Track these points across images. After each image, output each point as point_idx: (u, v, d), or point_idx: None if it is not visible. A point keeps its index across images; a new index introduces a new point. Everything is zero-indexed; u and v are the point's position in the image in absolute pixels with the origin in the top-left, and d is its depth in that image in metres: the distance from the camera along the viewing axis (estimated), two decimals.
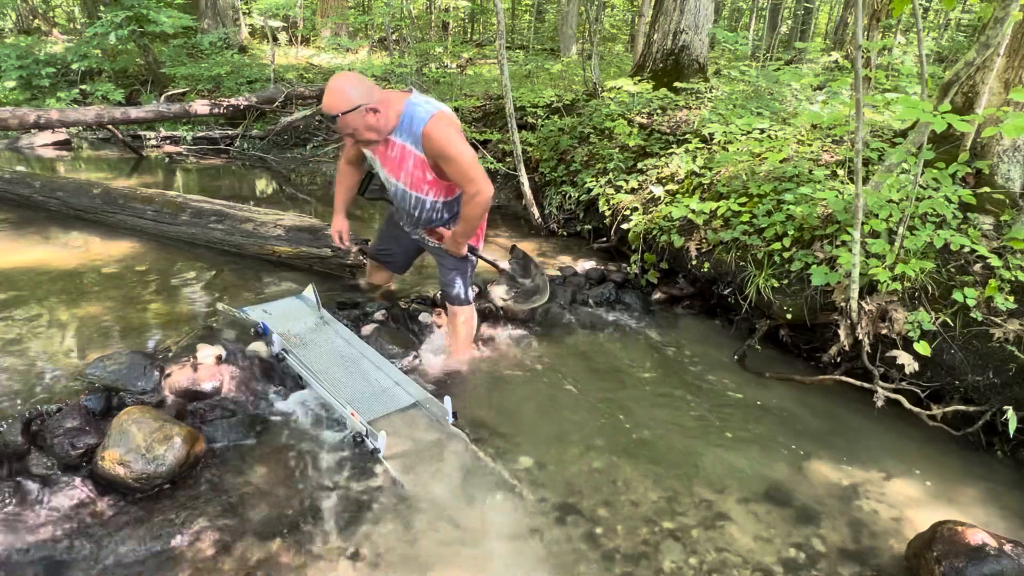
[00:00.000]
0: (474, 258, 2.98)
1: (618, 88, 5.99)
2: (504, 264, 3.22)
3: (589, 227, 5.02)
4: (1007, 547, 1.92)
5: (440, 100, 7.37)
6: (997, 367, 2.63)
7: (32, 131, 7.78)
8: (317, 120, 8.63)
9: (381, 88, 2.50)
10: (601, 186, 4.84)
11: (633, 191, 4.61)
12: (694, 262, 3.81)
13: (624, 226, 4.33)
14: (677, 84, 6.04)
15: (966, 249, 2.94)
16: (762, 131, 4.60)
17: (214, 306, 3.44)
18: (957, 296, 2.77)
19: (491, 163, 5.80)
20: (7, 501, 2.07)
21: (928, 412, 2.74)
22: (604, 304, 3.94)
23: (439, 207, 2.77)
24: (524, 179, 5.13)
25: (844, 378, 2.96)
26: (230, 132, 8.55)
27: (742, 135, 4.55)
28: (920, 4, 2.88)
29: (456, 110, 6.70)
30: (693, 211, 3.90)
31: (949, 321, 2.76)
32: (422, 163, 2.57)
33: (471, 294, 3.08)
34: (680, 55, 6.38)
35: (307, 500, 2.23)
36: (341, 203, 3.17)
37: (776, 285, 3.30)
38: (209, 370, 2.73)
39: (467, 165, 2.50)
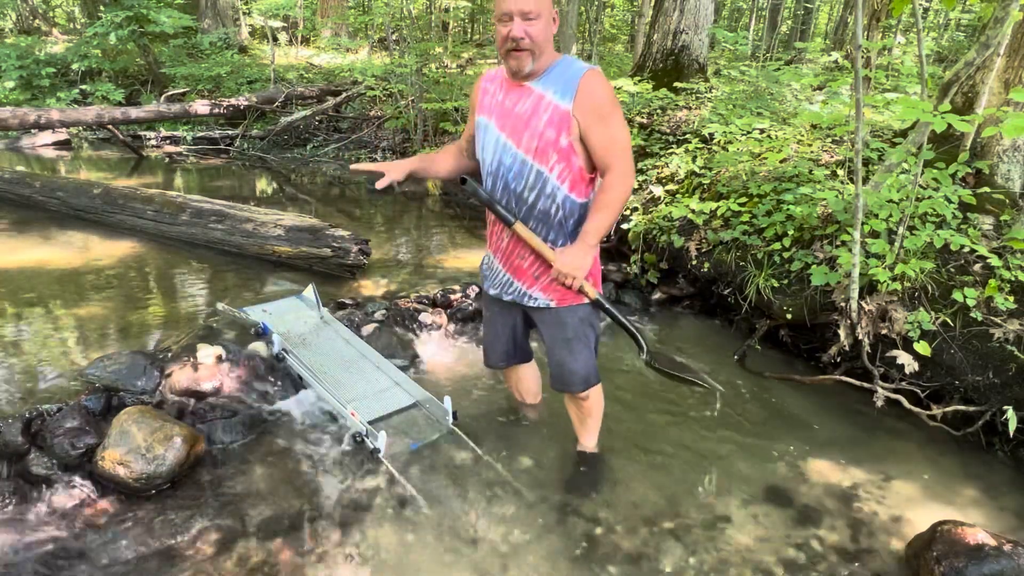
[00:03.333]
0: (597, 316, 2.19)
1: (618, 88, 5.99)
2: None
3: None
4: (1007, 547, 1.92)
5: (440, 100, 7.29)
6: (997, 367, 2.63)
7: (32, 131, 7.78)
8: (317, 120, 8.64)
9: None
10: None
11: (633, 191, 4.61)
12: (694, 262, 3.81)
13: (624, 226, 4.32)
14: (677, 84, 6.04)
15: (966, 249, 2.94)
16: (762, 131, 4.60)
17: (214, 306, 3.44)
18: (957, 296, 2.76)
19: None
20: (7, 501, 2.07)
21: (928, 412, 2.74)
22: None
23: (559, 200, 1.99)
24: None
25: (844, 378, 2.96)
26: (230, 132, 8.56)
27: (742, 135, 4.55)
28: (920, 4, 2.88)
29: (456, 110, 6.70)
30: (693, 211, 3.90)
31: (949, 321, 2.76)
32: (563, 120, 1.89)
33: (596, 369, 2.28)
34: (680, 55, 6.38)
35: (307, 500, 2.23)
36: (421, 158, 2.26)
37: (776, 285, 3.30)
38: (209, 370, 2.73)
39: (619, 133, 1.92)
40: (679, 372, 2.30)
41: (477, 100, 2.11)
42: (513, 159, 1.98)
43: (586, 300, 2.10)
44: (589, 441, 2.50)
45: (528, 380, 2.73)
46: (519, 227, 2.04)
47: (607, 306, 2.09)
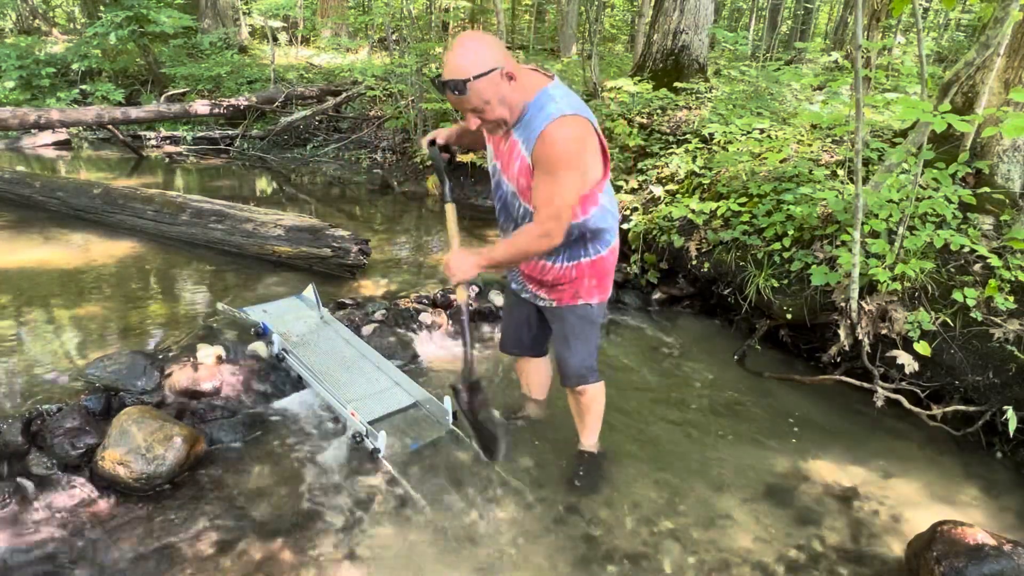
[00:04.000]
0: (599, 316, 2.27)
1: (618, 88, 5.99)
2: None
3: None
4: (1006, 547, 1.92)
5: (440, 100, 7.24)
6: (997, 367, 2.63)
7: (32, 131, 7.78)
8: (317, 120, 8.63)
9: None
10: None
11: (633, 191, 4.62)
12: (694, 262, 3.81)
13: (624, 226, 4.33)
14: (677, 84, 6.04)
15: (966, 249, 2.94)
16: (762, 131, 4.60)
17: (214, 306, 3.44)
18: (957, 296, 2.77)
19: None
20: (7, 501, 2.07)
21: (928, 412, 2.74)
22: None
23: None
24: None
25: (844, 378, 2.96)
26: (230, 132, 8.55)
27: (742, 135, 4.55)
28: (920, 4, 2.88)
29: (456, 110, 6.69)
30: (693, 211, 3.90)
31: (949, 321, 2.76)
32: (529, 170, 1.92)
33: (596, 365, 2.34)
34: (680, 55, 6.38)
35: (307, 500, 2.23)
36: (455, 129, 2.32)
37: (776, 285, 3.30)
38: (209, 370, 2.73)
39: (557, 193, 1.86)
40: (479, 425, 2.33)
41: None
42: (506, 188, 2.07)
43: (582, 301, 2.17)
44: (588, 440, 2.50)
45: (537, 375, 2.73)
46: (448, 207, 2.20)
47: (463, 318, 2.24)
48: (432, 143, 2.27)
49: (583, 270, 2.12)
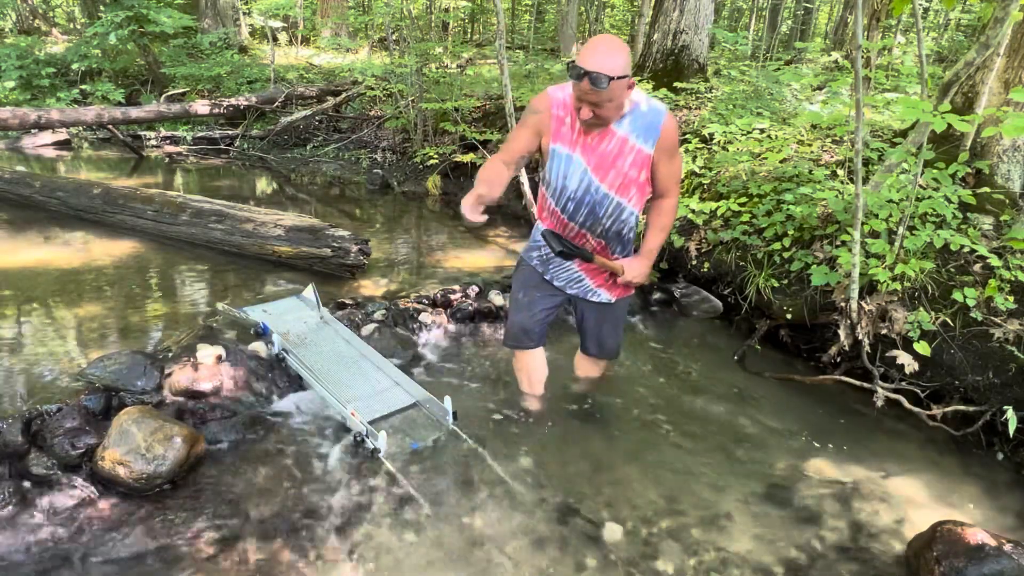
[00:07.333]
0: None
1: None
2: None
3: None
4: (1007, 547, 1.92)
5: (440, 100, 7.26)
6: (997, 367, 2.63)
7: (32, 131, 7.77)
8: (317, 120, 8.63)
9: None
10: None
11: None
12: (694, 262, 3.81)
13: None
14: (677, 84, 6.04)
15: (966, 249, 2.94)
16: (762, 131, 4.60)
17: (214, 306, 3.44)
18: (957, 296, 2.77)
19: None
20: (7, 501, 2.07)
21: (928, 412, 2.74)
22: None
23: (631, 222, 2.42)
24: (524, 178, 5.13)
25: (844, 378, 2.96)
26: (230, 132, 8.55)
27: (742, 135, 4.55)
28: (920, 4, 2.88)
29: (456, 110, 6.71)
30: (693, 211, 3.90)
31: (949, 321, 2.76)
32: (645, 161, 2.22)
33: None
34: (680, 55, 6.38)
35: (307, 500, 2.23)
36: (484, 185, 2.16)
37: (776, 285, 3.30)
38: (209, 370, 2.73)
39: (681, 166, 2.40)
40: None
41: (548, 126, 2.24)
42: (596, 191, 2.26)
43: (632, 292, 2.60)
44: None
45: (539, 371, 2.79)
46: (598, 259, 2.42)
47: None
48: (545, 236, 2.38)
49: None
